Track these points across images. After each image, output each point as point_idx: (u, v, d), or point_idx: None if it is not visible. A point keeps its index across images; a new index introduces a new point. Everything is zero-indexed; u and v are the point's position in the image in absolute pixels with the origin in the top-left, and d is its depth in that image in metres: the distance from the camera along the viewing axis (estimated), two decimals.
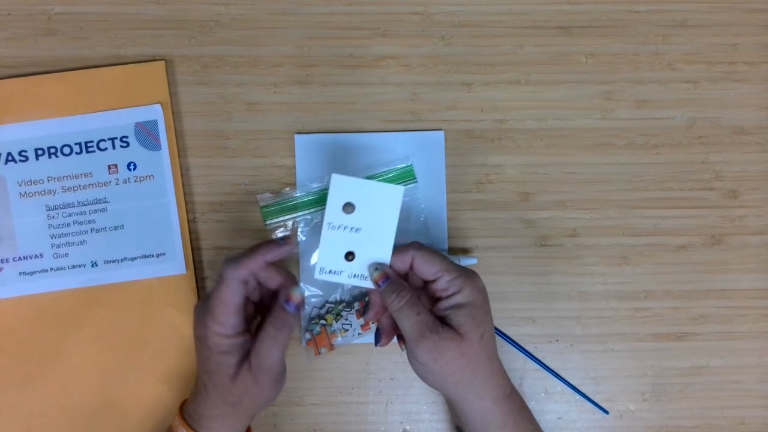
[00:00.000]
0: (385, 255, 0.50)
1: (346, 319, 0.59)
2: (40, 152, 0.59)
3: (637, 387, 0.61)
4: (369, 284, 0.50)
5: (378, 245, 0.50)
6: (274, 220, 0.60)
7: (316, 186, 0.60)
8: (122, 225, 0.59)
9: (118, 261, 0.59)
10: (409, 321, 0.48)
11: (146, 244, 0.59)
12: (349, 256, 0.50)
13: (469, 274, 0.50)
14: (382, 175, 0.60)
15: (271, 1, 0.61)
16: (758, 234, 0.62)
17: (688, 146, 0.62)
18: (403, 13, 0.61)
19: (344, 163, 0.60)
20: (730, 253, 0.62)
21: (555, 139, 0.61)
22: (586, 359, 0.61)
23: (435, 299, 0.50)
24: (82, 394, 0.58)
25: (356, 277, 0.50)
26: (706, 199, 0.62)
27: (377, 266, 0.50)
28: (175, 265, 0.59)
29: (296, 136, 0.60)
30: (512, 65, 0.61)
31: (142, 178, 0.59)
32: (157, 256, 0.59)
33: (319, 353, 0.59)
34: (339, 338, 0.59)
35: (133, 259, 0.59)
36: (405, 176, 0.60)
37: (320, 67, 0.61)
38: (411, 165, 0.60)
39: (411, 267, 0.50)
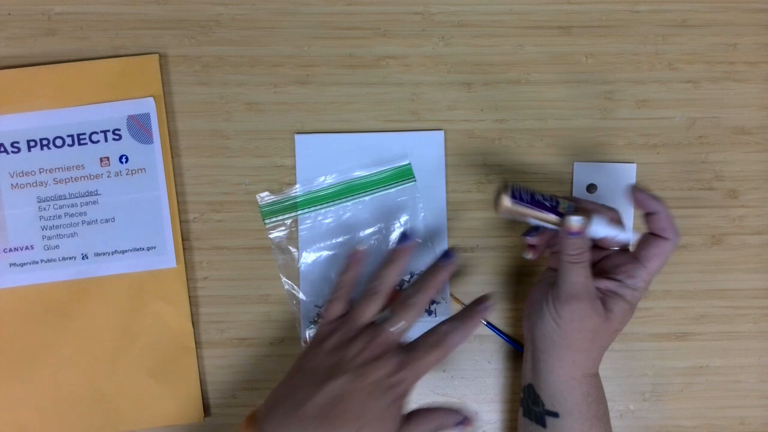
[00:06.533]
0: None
1: None
2: (32, 144, 0.59)
3: (637, 387, 0.61)
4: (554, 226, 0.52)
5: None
6: (273, 219, 0.60)
7: (315, 185, 0.60)
8: (113, 218, 0.59)
9: (109, 254, 0.59)
10: (579, 278, 0.49)
11: (137, 237, 0.59)
12: None
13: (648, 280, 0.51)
14: (380, 174, 0.60)
15: (271, 1, 0.61)
16: (758, 234, 0.62)
17: (688, 146, 0.62)
18: (403, 13, 0.61)
19: (344, 162, 0.60)
20: (730, 253, 0.61)
21: (555, 139, 0.61)
22: None
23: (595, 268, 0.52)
24: (71, 386, 0.58)
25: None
26: (706, 199, 0.62)
27: (583, 218, 0.50)
28: (166, 258, 0.59)
29: (296, 136, 0.60)
30: (512, 65, 0.61)
31: (134, 171, 0.59)
32: (148, 249, 0.59)
33: None
34: None
35: (123, 252, 0.59)
36: (403, 175, 0.60)
37: (320, 67, 0.61)
38: (409, 164, 0.60)
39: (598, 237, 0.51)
